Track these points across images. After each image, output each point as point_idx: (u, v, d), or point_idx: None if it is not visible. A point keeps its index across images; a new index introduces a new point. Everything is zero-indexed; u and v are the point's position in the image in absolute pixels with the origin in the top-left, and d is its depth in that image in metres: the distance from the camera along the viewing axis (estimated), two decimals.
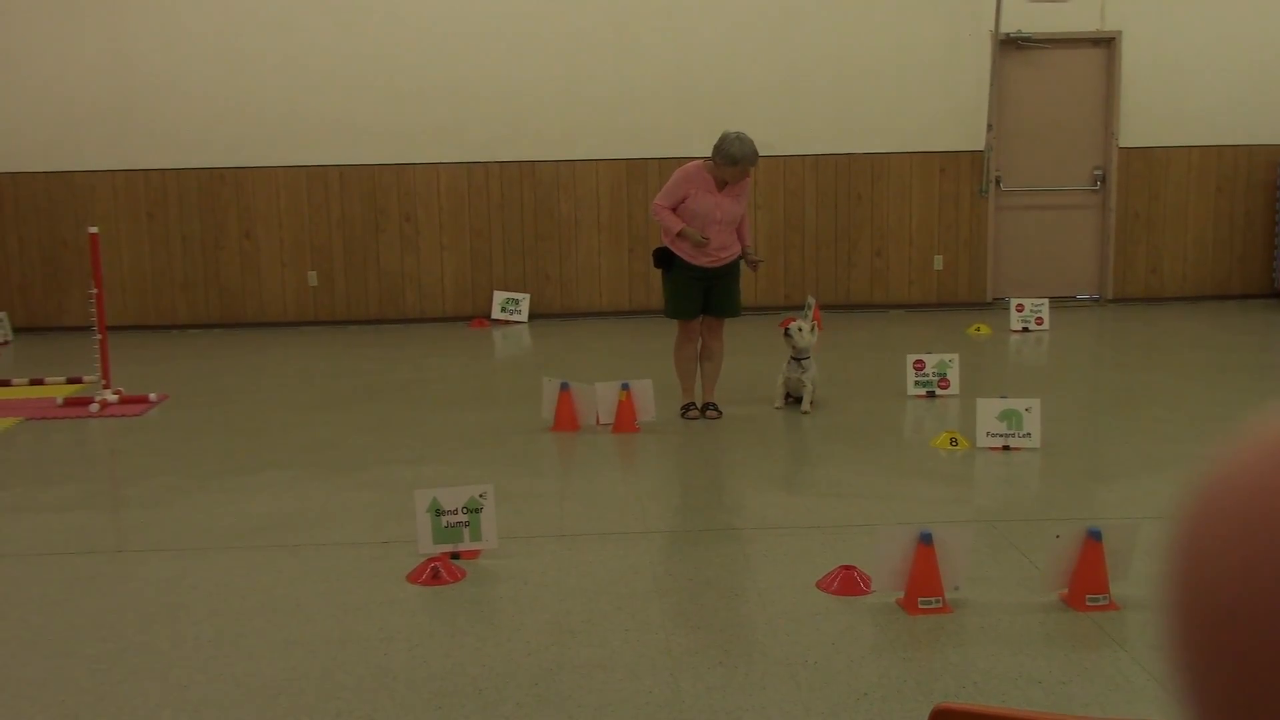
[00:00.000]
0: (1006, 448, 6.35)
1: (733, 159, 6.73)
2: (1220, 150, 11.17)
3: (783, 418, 7.23)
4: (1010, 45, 11.07)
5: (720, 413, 7.16)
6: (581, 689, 3.69)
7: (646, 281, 11.16)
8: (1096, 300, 11.52)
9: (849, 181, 11.03)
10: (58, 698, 3.72)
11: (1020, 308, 10.16)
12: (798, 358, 7.26)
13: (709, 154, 6.88)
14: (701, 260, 6.90)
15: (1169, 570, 0.60)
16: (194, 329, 11.01)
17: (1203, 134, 11.17)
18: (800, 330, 7.24)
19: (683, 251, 6.90)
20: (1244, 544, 0.55)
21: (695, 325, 7.14)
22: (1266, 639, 0.54)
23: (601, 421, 6.98)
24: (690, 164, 6.95)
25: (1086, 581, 4.24)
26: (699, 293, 7.00)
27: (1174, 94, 11.10)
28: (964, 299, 11.28)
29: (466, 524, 4.78)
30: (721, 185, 6.85)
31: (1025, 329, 10.05)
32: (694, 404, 7.22)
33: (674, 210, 6.86)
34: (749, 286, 11.26)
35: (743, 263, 7.12)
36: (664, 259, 6.98)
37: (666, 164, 11.03)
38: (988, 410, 6.40)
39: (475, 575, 4.67)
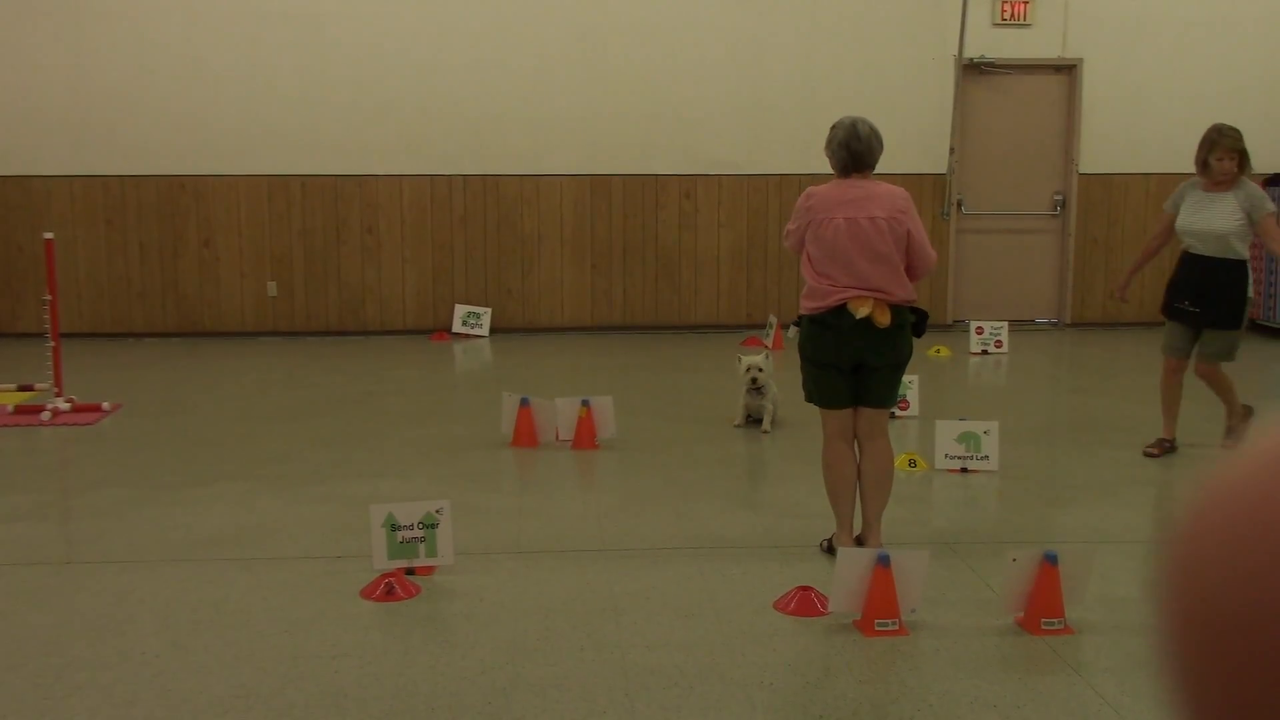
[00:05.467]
0: (964, 470, 6.37)
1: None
2: (1178, 178, 11.23)
3: (742, 437, 7.23)
4: (973, 70, 11.16)
5: None
6: (535, 708, 3.66)
7: (608, 297, 11.15)
8: (1055, 324, 11.61)
9: None
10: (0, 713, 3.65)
11: (980, 330, 10.22)
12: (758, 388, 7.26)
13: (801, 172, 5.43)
14: None
15: (1166, 579, 0.59)
16: (150, 338, 10.88)
17: (1161, 161, 11.29)
18: (762, 372, 7.16)
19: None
20: (1243, 554, 0.55)
21: None
22: (1266, 649, 0.53)
23: (561, 438, 6.94)
24: (888, 184, 4.99)
25: (1042, 605, 4.25)
26: None
27: (1133, 122, 11.23)
28: None
29: (422, 540, 4.73)
30: None
31: (985, 352, 10.11)
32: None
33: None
34: (710, 303, 11.31)
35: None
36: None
37: (631, 181, 11.04)
38: (946, 432, 6.42)
39: (430, 592, 4.62)
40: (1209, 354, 6.57)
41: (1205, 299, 6.47)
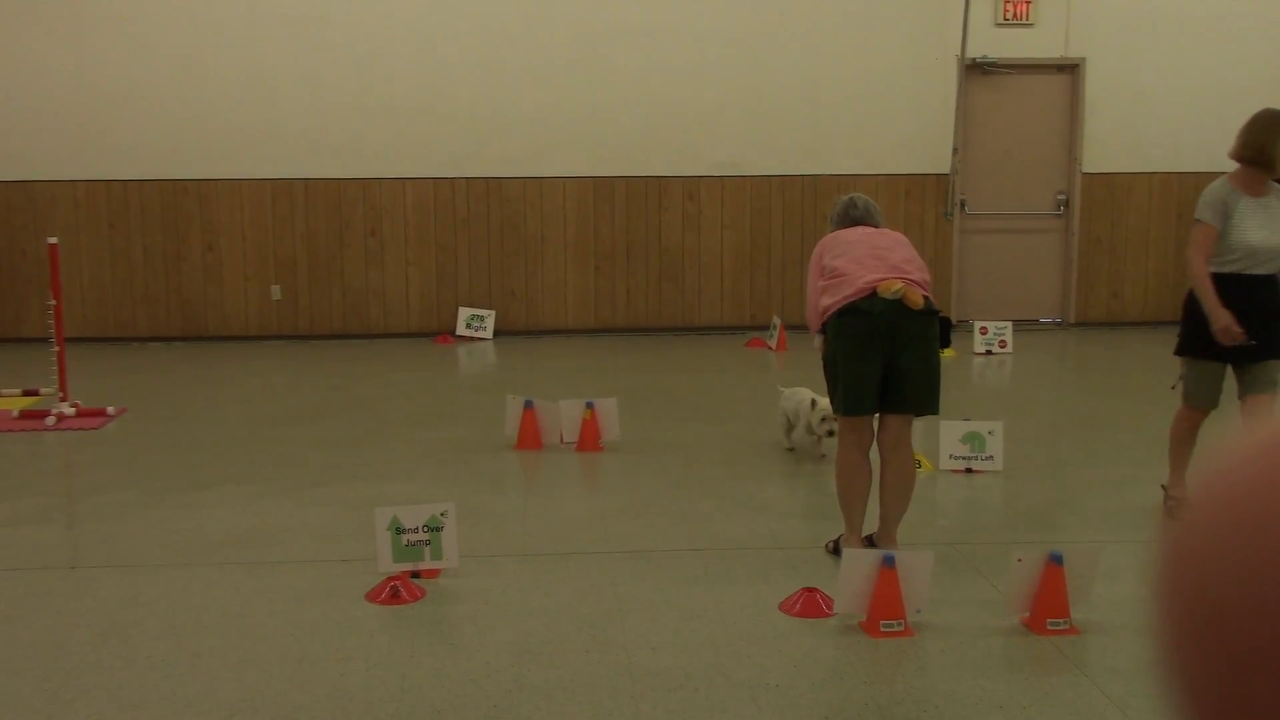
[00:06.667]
0: (969, 470, 6.37)
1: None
2: (1181, 177, 11.28)
3: (745, 437, 7.22)
4: (976, 70, 11.15)
5: None
6: (541, 710, 3.66)
7: (612, 299, 11.15)
8: (1059, 324, 11.60)
9: (815, 202, 11.06)
10: (6, 717, 3.65)
11: (984, 330, 10.21)
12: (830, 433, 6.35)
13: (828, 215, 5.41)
14: None
15: (1161, 572, 0.59)
16: (154, 342, 10.89)
17: (1164, 161, 11.28)
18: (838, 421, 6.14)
19: None
20: (1239, 545, 0.54)
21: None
22: (1262, 641, 0.53)
23: (565, 440, 6.94)
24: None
25: (1048, 605, 4.25)
26: None
27: (1136, 121, 11.22)
28: None
29: (427, 542, 4.73)
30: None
31: (989, 352, 10.10)
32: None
33: None
34: (714, 305, 11.31)
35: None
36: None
37: (634, 183, 11.05)
38: (951, 433, 6.42)
39: (435, 595, 4.62)
40: (1269, 381, 5.39)
41: (1268, 327, 5.30)
